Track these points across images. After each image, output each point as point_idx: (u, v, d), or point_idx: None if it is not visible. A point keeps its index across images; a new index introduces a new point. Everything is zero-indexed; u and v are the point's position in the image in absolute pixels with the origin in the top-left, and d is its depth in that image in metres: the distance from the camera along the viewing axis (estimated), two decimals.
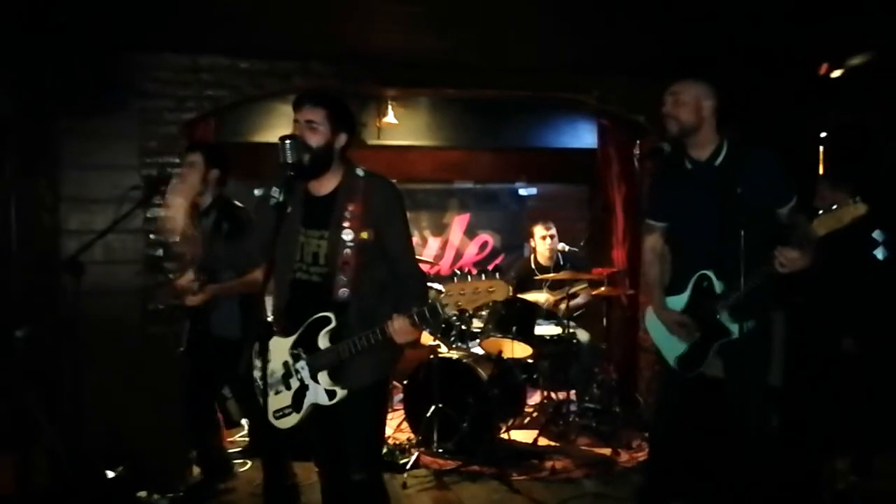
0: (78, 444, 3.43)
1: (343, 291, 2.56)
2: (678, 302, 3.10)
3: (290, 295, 2.67)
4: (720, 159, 2.97)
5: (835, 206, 2.68)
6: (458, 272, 2.37)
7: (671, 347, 3.15)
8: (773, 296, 2.85)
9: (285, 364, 2.66)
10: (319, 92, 2.71)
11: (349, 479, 2.66)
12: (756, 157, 2.93)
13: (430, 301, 2.40)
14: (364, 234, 2.56)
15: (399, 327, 2.45)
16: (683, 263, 3.12)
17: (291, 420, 2.68)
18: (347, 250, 2.55)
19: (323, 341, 2.57)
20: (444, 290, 2.41)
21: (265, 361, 2.65)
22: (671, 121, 2.96)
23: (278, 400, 2.69)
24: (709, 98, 2.97)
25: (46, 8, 3.67)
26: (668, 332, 3.14)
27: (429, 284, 2.80)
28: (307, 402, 2.63)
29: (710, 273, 2.98)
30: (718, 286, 2.96)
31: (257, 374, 2.68)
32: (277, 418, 2.71)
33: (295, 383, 2.65)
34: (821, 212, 2.70)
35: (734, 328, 2.90)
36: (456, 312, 2.37)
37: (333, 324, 2.55)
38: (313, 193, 2.66)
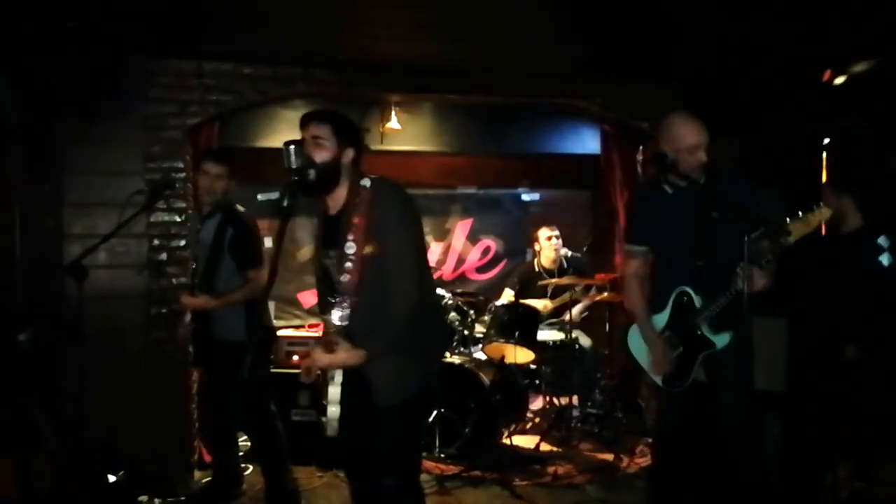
0: (79, 449, 3.43)
1: (345, 307, 2.51)
2: (660, 319, 3.19)
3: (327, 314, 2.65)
4: (703, 181, 3.07)
5: (800, 213, 2.80)
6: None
7: None
8: (749, 307, 2.87)
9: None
10: (325, 109, 2.71)
11: (379, 484, 2.62)
12: (734, 185, 3.07)
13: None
14: (368, 249, 2.49)
15: (332, 355, 2.46)
16: (664, 281, 3.21)
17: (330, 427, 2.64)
18: (349, 264, 2.50)
19: None
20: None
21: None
22: (699, 164, 3.01)
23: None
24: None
25: (51, 13, 3.69)
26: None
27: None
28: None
29: (688, 289, 3.08)
30: (697, 301, 3.06)
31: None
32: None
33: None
34: (788, 219, 2.80)
35: (717, 339, 3.03)
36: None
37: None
38: (327, 213, 2.65)
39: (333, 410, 2.56)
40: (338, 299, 2.53)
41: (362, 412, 2.58)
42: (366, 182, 2.59)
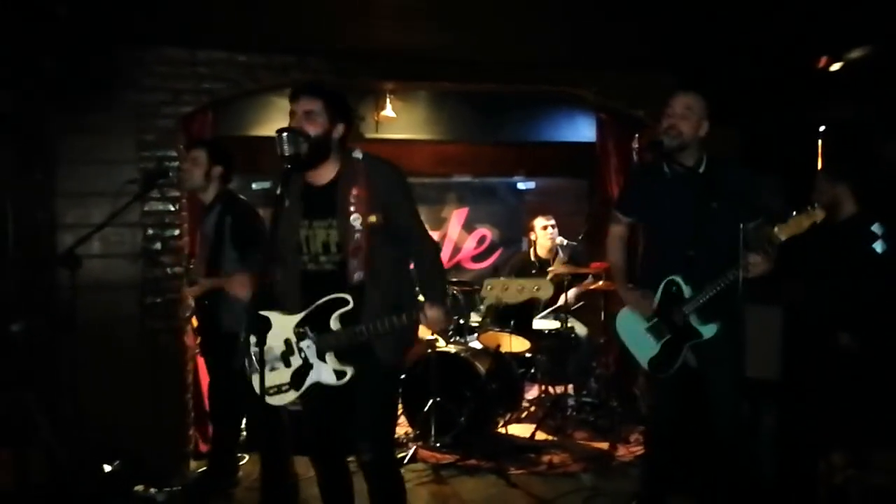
0: (75, 439, 3.43)
1: (358, 275, 2.58)
2: None
3: (302, 285, 2.68)
4: (702, 168, 3.09)
5: (794, 213, 2.81)
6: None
7: (642, 350, 3.26)
8: (742, 297, 2.89)
9: (287, 342, 2.67)
10: (317, 83, 2.71)
11: (362, 461, 2.68)
12: (735, 174, 3.09)
13: (465, 294, 2.51)
14: (372, 218, 2.57)
15: (434, 316, 2.54)
16: (655, 266, 3.23)
17: (288, 397, 2.70)
18: (357, 235, 2.56)
19: (335, 322, 2.59)
20: (486, 282, 2.56)
21: (262, 339, 2.64)
22: (674, 133, 3.03)
23: (274, 377, 2.69)
24: (707, 118, 3.09)
25: (43, 1, 3.65)
26: (638, 335, 3.25)
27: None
28: (309, 380, 2.65)
29: (678, 278, 3.10)
30: (687, 290, 3.08)
31: (252, 350, 2.67)
32: (271, 395, 2.70)
33: (296, 361, 2.67)
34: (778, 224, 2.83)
35: (704, 330, 3.06)
36: (494, 304, 2.49)
37: (350, 306, 2.58)
38: (313, 184, 2.66)
39: (351, 370, 2.61)
40: (324, 265, 2.63)
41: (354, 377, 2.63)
42: (357, 155, 2.66)
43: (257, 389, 2.67)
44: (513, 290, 2.54)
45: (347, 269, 2.59)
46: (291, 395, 2.69)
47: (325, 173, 2.64)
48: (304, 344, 2.64)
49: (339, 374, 2.61)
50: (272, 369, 2.69)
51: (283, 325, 2.68)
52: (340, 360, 2.61)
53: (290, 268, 2.70)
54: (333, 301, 2.59)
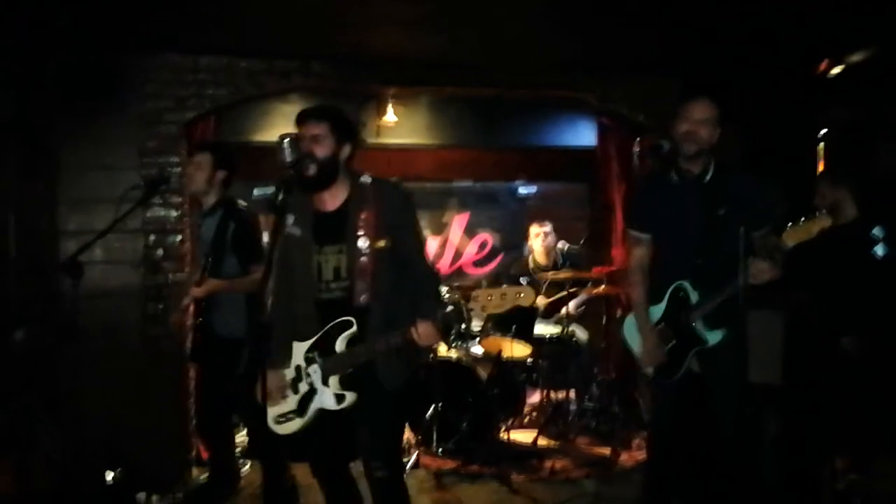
0: (77, 447, 3.43)
1: (363, 297, 2.60)
2: (656, 311, 3.20)
3: (316, 314, 2.68)
4: (709, 176, 3.06)
5: (802, 219, 2.79)
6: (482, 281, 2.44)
7: None
8: (747, 304, 2.88)
9: (297, 368, 2.69)
10: (322, 106, 2.74)
11: (374, 477, 2.68)
12: (742, 181, 3.05)
13: (454, 305, 2.45)
14: (380, 243, 2.60)
15: (424, 331, 2.52)
16: (662, 273, 3.21)
17: (293, 426, 2.70)
18: (364, 258, 2.59)
19: (340, 345, 2.60)
20: (473, 294, 2.62)
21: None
22: (693, 140, 3.00)
23: (283, 405, 2.71)
24: (719, 126, 3.06)
25: (46, 9, 3.67)
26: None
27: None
28: (313, 406, 2.65)
29: (685, 284, 3.09)
30: (693, 297, 3.07)
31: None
32: (278, 423, 2.72)
33: (304, 388, 2.67)
34: (790, 224, 2.81)
35: (709, 336, 3.04)
36: (483, 315, 2.43)
37: (354, 328, 2.59)
38: (323, 210, 2.68)
39: (351, 395, 2.61)
40: (335, 291, 2.63)
41: (361, 399, 2.63)
42: (366, 179, 2.68)
43: (269, 420, 2.72)
44: (496, 299, 2.59)
45: (354, 291, 2.60)
46: (297, 423, 2.68)
47: (335, 198, 2.66)
48: (312, 369, 2.65)
49: (339, 398, 2.60)
50: (283, 397, 2.70)
51: (295, 353, 2.69)
52: (343, 385, 2.61)
53: (301, 297, 2.71)
54: (340, 324, 2.60)
